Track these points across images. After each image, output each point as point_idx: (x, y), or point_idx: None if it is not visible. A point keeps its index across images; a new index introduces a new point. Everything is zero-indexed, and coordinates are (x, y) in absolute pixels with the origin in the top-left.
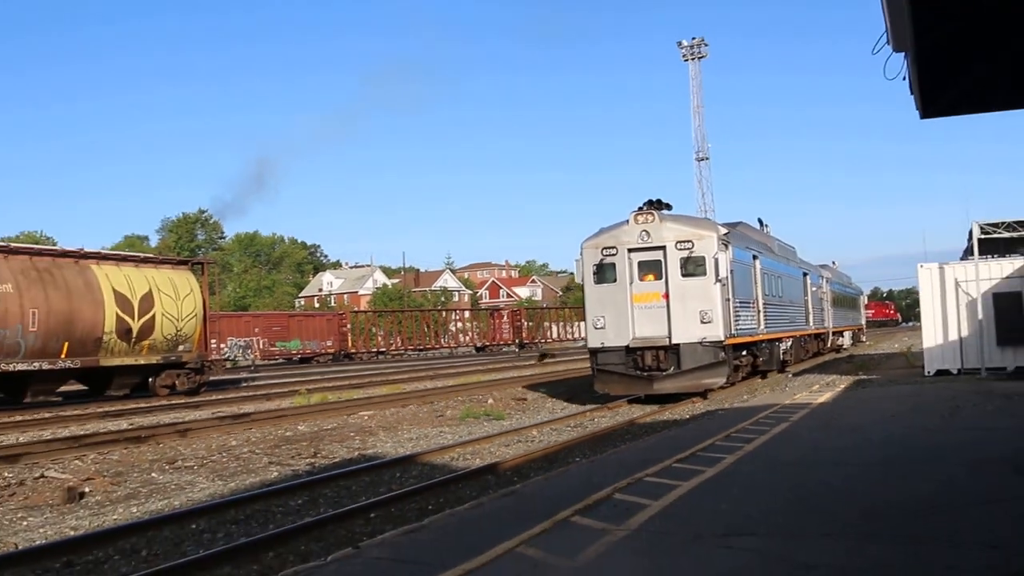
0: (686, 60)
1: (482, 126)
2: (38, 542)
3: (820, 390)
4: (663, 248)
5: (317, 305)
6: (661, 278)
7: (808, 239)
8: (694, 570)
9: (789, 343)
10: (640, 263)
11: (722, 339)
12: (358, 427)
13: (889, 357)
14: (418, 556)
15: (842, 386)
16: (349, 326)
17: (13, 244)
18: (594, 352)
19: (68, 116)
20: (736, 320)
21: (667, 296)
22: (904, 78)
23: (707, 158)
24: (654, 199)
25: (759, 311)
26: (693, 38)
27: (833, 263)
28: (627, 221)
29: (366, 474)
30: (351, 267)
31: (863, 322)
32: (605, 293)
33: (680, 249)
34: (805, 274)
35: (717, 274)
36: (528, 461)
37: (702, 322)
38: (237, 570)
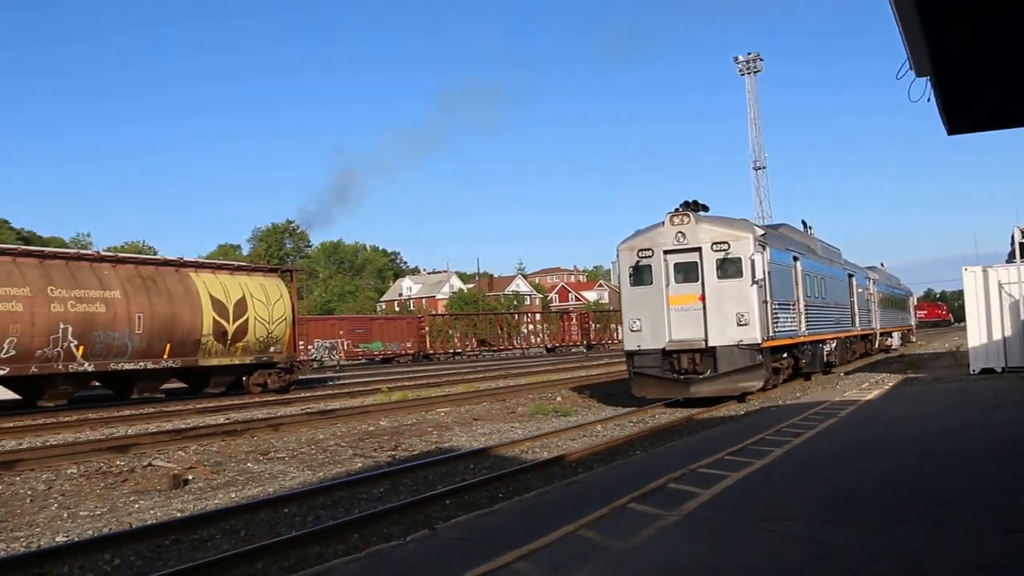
0: (742, 75)
1: (550, 140)
2: (150, 522)
3: (869, 388)
4: (699, 250)
5: (397, 309)
6: (697, 280)
7: (862, 243)
8: (735, 550)
9: (834, 344)
10: (676, 265)
11: (759, 342)
12: (435, 422)
13: (938, 356)
14: (487, 537)
15: (890, 384)
16: (427, 328)
17: (120, 254)
18: (630, 355)
19: (169, 134)
20: (775, 322)
21: (703, 298)
22: (928, 99)
23: (763, 167)
24: (691, 200)
25: (800, 313)
26: (748, 53)
27: (882, 264)
28: (663, 223)
29: (442, 465)
30: (429, 273)
31: (913, 322)
32: (641, 295)
33: (716, 250)
34: (851, 275)
35: (754, 276)
36: (592, 454)
37: (738, 324)
38: (326, 549)
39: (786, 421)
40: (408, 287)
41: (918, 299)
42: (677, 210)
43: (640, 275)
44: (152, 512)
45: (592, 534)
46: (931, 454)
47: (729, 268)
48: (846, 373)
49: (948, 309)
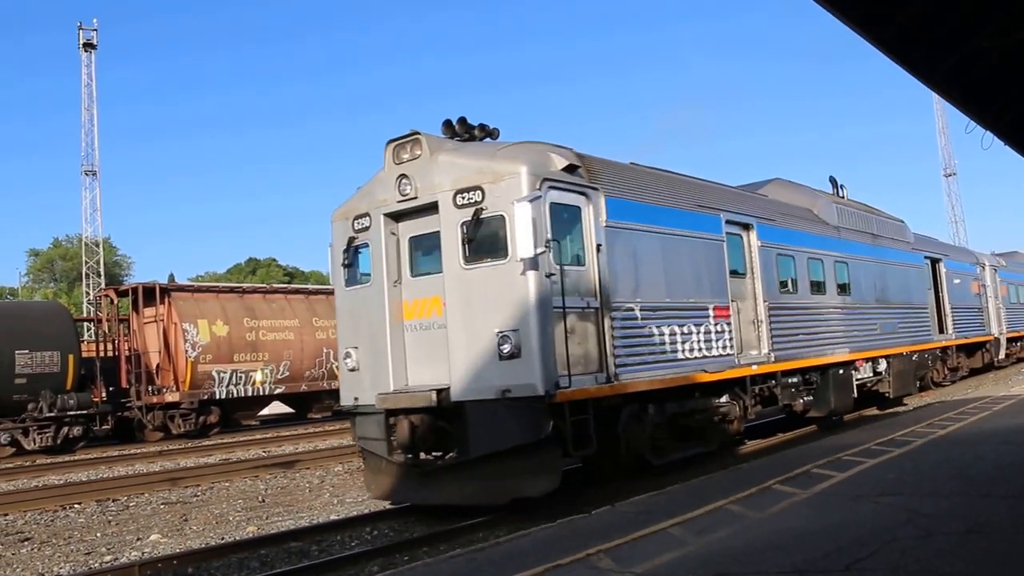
0: None
1: (760, 146)
2: (399, 506)
3: None
4: (437, 206)
5: None
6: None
7: None
8: (840, 517)
9: (882, 365)
10: (413, 240)
11: (541, 391)
12: None
13: None
14: (654, 509)
15: None
16: None
17: None
18: (350, 415)
19: None
20: (624, 346)
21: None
22: (1005, 145)
23: (954, 174)
24: (456, 120)
25: (759, 322)
26: None
27: None
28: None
29: None
30: None
31: None
32: (356, 302)
33: (460, 205)
34: (934, 261)
35: (533, 249)
36: (768, 447)
37: (502, 356)
38: (534, 525)
39: (942, 415)
40: None
41: None
42: (405, 137)
43: (354, 264)
44: None
45: (736, 507)
46: None
47: (483, 239)
48: None
49: None
